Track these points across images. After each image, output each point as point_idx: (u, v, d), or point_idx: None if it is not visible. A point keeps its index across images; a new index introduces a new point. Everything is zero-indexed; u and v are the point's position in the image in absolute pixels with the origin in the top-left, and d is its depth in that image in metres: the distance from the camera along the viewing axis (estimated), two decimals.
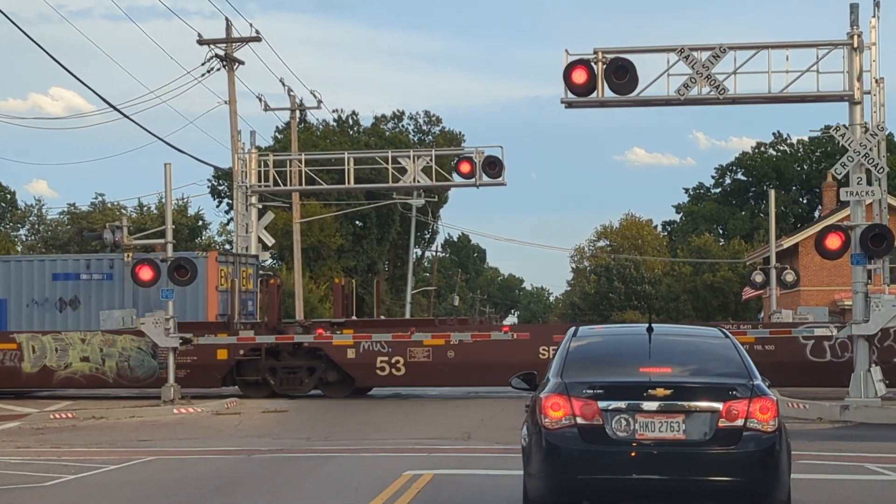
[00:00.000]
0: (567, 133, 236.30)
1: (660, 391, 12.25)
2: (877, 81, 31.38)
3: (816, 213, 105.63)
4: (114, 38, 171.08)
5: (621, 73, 31.54)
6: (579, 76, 31.65)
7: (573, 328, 14.23)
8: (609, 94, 32.00)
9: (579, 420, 12.29)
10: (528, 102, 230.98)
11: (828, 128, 30.68)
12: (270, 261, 60.05)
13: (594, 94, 32.07)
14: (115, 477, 19.49)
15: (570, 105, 32.56)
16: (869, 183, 31.19)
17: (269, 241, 45.66)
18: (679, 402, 12.24)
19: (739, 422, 12.18)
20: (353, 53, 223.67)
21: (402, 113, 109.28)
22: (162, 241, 36.40)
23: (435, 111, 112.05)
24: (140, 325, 35.13)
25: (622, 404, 12.28)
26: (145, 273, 34.78)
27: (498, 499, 16.13)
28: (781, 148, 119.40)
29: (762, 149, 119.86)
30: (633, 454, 12.16)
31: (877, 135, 31.04)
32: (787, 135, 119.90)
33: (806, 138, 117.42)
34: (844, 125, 31.72)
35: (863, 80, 31.44)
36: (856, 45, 31.26)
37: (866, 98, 31.53)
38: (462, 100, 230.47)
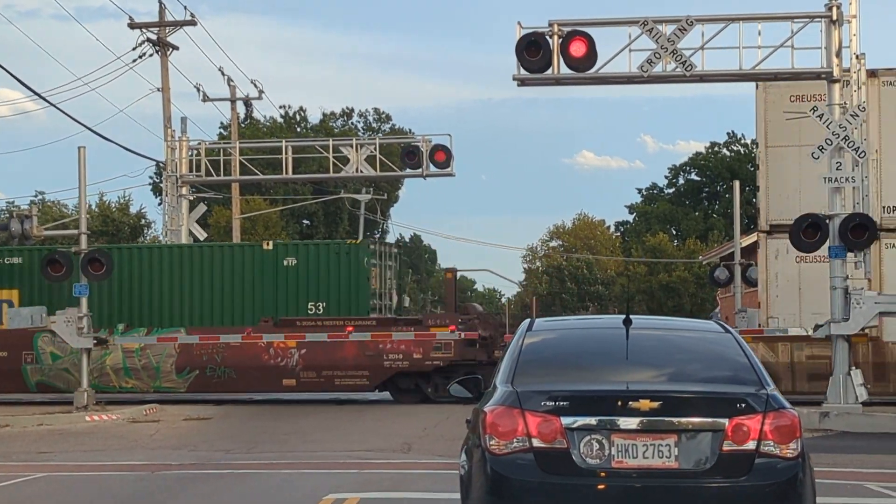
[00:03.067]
0: (517, 136, 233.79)
1: (643, 403, 9.02)
2: (857, 58, 28.41)
3: None
4: (61, 38, 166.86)
5: (578, 48, 28.48)
6: (533, 51, 28.59)
7: (527, 321, 10.93)
8: (566, 70, 28.96)
9: (536, 442, 9.05)
10: (479, 105, 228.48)
11: (813, 109, 27.46)
12: None
13: (549, 71, 29.02)
14: None
15: (522, 83, 29.48)
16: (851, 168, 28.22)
17: (201, 234, 42.36)
18: (670, 419, 9.01)
19: (751, 444, 9.00)
20: (302, 55, 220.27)
21: (352, 110, 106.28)
22: (75, 231, 33.00)
23: (385, 111, 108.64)
24: (51, 324, 31.84)
25: (593, 421, 9.04)
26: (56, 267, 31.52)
27: None
28: (735, 148, 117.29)
29: (716, 149, 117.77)
30: (607, 488, 8.95)
31: (857, 115, 28.02)
32: (742, 134, 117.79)
33: None
34: (822, 105, 28.65)
35: (842, 56, 28.48)
36: (835, 18, 28.29)
37: (846, 76, 28.57)
38: (413, 101, 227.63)
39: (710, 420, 9.01)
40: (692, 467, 8.96)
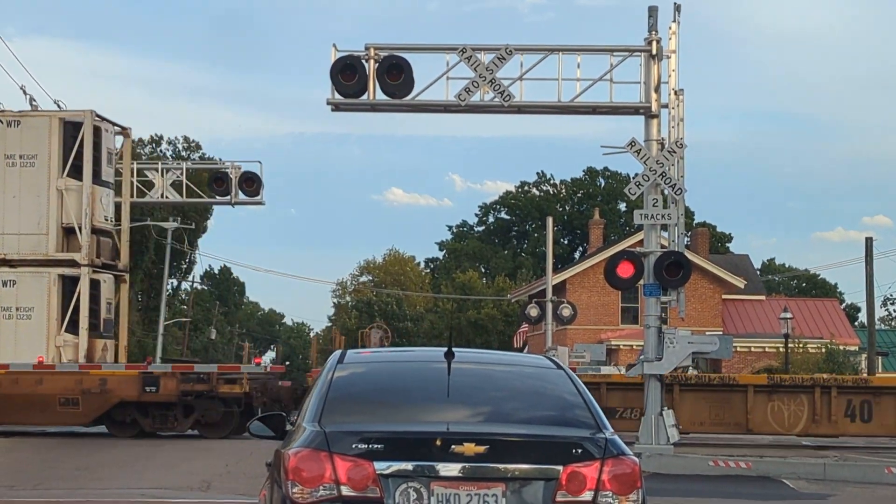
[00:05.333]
0: (327, 171, 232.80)
1: (467, 447, 7.91)
2: (676, 93, 28.01)
3: (577, 255, 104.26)
4: None
5: (395, 74, 27.64)
6: (348, 76, 27.57)
7: (338, 352, 9.74)
8: (381, 96, 28.01)
9: (345, 490, 7.87)
10: (291, 138, 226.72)
11: (630, 144, 26.92)
12: None
13: (365, 97, 28.06)
14: None
15: (336, 108, 28.50)
16: (665, 206, 27.76)
17: None
18: (497, 465, 7.92)
19: (587, 495, 7.97)
20: (110, 81, 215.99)
21: (161, 137, 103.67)
22: None
23: (195, 140, 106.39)
24: None
25: (409, 466, 7.91)
26: None
27: None
28: (545, 188, 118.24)
29: (525, 188, 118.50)
30: None
31: (675, 152, 27.59)
32: (551, 175, 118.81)
33: (569, 179, 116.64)
34: (639, 141, 28.13)
35: (661, 91, 28.09)
36: (654, 52, 27.93)
37: (664, 111, 28.15)
38: (225, 132, 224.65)
39: (542, 467, 7.97)
40: None
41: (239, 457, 27.31)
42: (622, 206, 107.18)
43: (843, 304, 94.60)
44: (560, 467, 7.95)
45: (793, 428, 33.35)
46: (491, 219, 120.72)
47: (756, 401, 32.95)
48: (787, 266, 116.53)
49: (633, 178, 28.21)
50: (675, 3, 28.15)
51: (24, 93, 54.46)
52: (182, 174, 39.29)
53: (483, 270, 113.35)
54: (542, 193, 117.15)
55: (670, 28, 28.15)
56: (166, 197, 39.51)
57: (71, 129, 34.62)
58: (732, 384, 33.81)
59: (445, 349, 9.08)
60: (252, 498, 17.75)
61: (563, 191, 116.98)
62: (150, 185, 39.55)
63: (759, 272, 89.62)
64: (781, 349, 61.40)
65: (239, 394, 34.05)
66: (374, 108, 28.76)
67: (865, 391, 33.69)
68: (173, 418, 34.27)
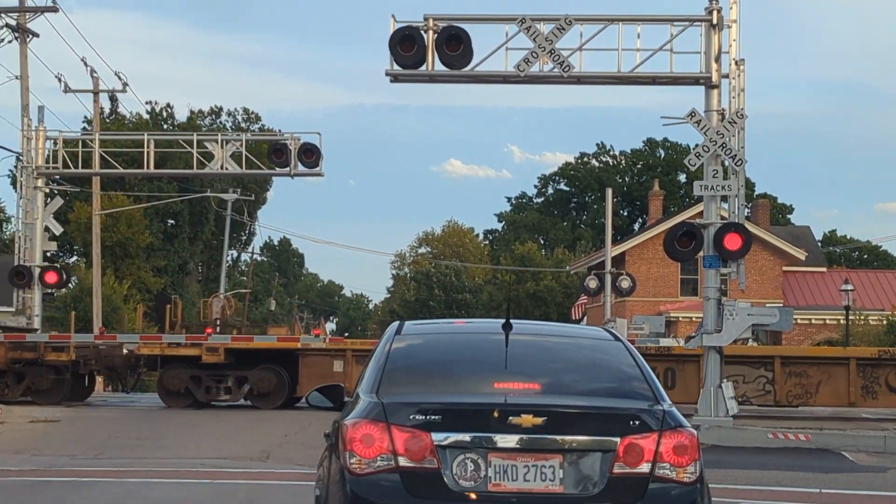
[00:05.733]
0: (386, 142, 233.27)
1: (525, 419, 7.89)
2: (736, 63, 27.75)
3: (636, 226, 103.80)
4: None
5: (454, 45, 27.57)
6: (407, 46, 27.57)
7: (396, 323, 9.74)
8: (440, 67, 27.96)
9: (403, 461, 7.86)
10: (350, 109, 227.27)
11: (690, 115, 26.70)
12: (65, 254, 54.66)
13: (423, 67, 28.02)
14: None
15: (395, 79, 28.49)
16: (725, 177, 27.56)
17: (57, 229, 40.40)
18: (554, 437, 7.89)
19: (644, 467, 7.92)
20: (170, 53, 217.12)
21: (220, 109, 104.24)
22: None
23: (255, 111, 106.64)
24: None
25: (467, 438, 7.88)
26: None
27: None
28: (604, 159, 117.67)
29: (585, 159, 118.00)
30: None
31: (735, 122, 27.37)
32: (611, 146, 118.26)
33: (629, 150, 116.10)
34: (699, 111, 27.90)
35: (721, 61, 27.85)
36: (714, 22, 27.69)
37: (724, 82, 27.92)
38: (284, 104, 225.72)
39: (600, 439, 7.93)
40: (578, 492, 7.87)
41: (298, 427, 27.47)
42: (682, 178, 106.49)
43: None
44: (617, 439, 7.91)
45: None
46: (550, 190, 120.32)
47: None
48: (848, 238, 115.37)
49: (693, 148, 28.05)
50: None
51: (86, 65, 55.06)
52: (242, 146, 39.31)
53: (542, 242, 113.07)
54: (601, 164, 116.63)
55: None
56: (226, 168, 39.53)
57: None
58: None
59: (503, 321, 9.08)
60: (310, 468, 17.84)
61: (623, 162, 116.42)
62: (209, 156, 39.64)
63: (820, 244, 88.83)
64: (842, 321, 60.90)
65: (66, 361, 35.03)
66: (433, 79, 28.71)
67: None
68: (4, 385, 35.24)
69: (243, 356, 34.79)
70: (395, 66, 28.05)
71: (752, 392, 33.19)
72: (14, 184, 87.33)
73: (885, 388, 33.03)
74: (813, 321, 65.11)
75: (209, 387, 34.63)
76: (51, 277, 38.94)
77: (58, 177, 44.10)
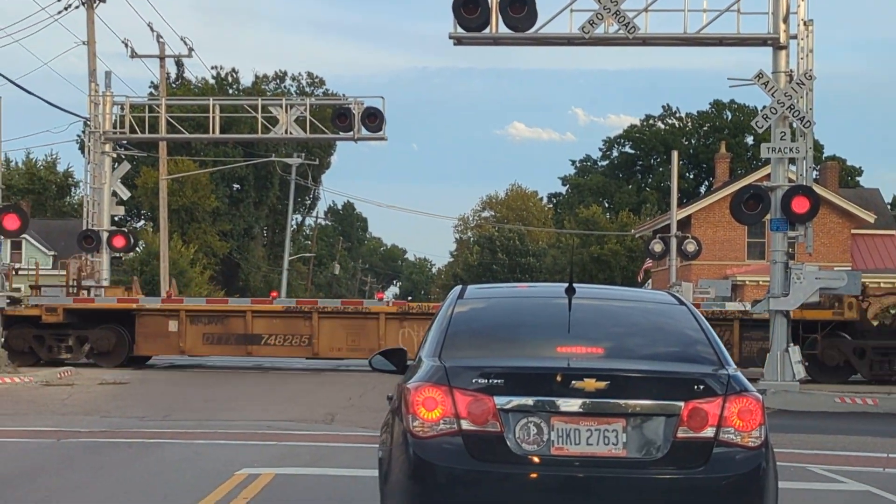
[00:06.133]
0: (449, 106, 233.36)
1: (588, 383, 7.86)
2: (805, 24, 27.46)
3: (702, 189, 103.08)
4: None
5: (518, 6, 27.48)
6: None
7: (459, 287, 9.72)
8: (504, 30, 27.84)
9: (465, 424, 7.86)
10: (413, 73, 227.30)
11: (758, 76, 26.44)
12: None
13: (487, 30, 27.92)
14: None
15: (459, 42, 28.41)
16: (793, 139, 27.29)
17: (125, 193, 40.69)
18: (617, 401, 7.85)
19: (709, 431, 7.87)
20: (235, 18, 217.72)
21: (285, 73, 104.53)
22: None
23: (319, 76, 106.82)
24: None
25: (530, 402, 7.86)
26: (10, 222, 30.00)
27: None
28: (670, 121, 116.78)
29: (650, 121, 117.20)
30: (545, 478, 7.79)
31: (804, 84, 27.08)
32: (677, 108, 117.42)
33: (695, 112, 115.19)
34: (766, 73, 27.63)
35: (789, 21, 27.55)
36: None
37: (792, 43, 27.61)
38: (348, 68, 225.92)
39: (663, 403, 7.88)
40: (642, 456, 7.84)
41: (362, 390, 27.61)
42: (749, 140, 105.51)
43: None
44: (681, 403, 7.86)
45: None
46: (615, 153, 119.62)
47: None
48: None
49: (761, 110, 27.78)
50: None
51: (152, 30, 55.38)
52: (306, 110, 39.41)
53: (606, 205, 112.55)
54: (667, 127, 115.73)
55: None
56: (290, 133, 39.64)
57: None
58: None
59: (567, 285, 9.05)
60: (374, 431, 17.88)
61: (689, 124, 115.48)
62: (274, 121, 39.79)
63: (889, 206, 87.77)
64: None
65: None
66: (497, 41, 28.59)
67: None
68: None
69: (85, 316, 35.56)
70: (459, 29, 27.97)
71: None
72: (82, 149, 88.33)
73: None
74: (882, 284, 64.41)
75: (51, 346, 35.50)
76: (118, 241, 39.30)
77: (125, 142, 44.42)
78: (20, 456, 16.24)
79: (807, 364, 29.05)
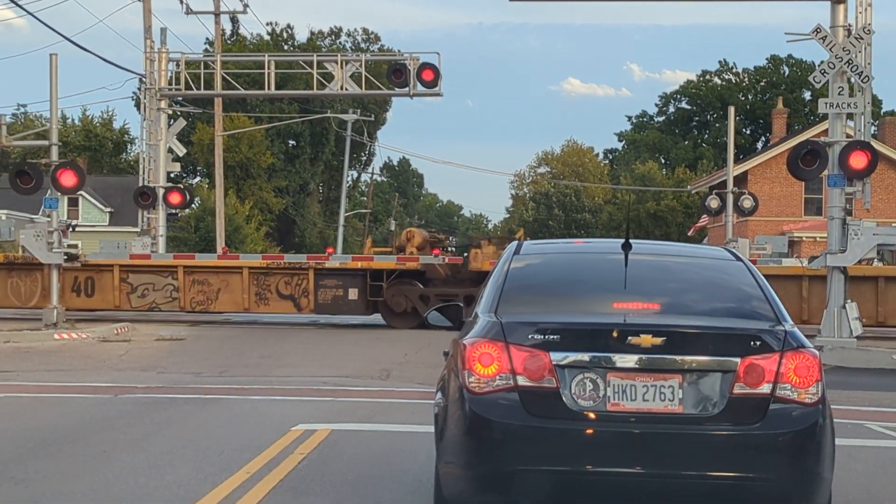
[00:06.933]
0: (504, 62, 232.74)
1: (644, 339, 7.85)
2: None
3: (759, 145, 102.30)
4: None
5: None
6: None
7: (515, 243, 9.70)
8: None
9: (521, 380, 7.87)
10: (469, 29, 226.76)
11: (816, 31, 26.16)
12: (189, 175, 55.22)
13: None
14: None
15: None
16: (851, 94, 27.01)
17: (181, 150, 40.88)
18: (674, 357, 7.84)
19: (765, 387, 7.84)
20: None
21: (340, 30, 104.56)
22: (45, 142, 31.61)
23: (374, 32, 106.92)
24: (19, 237, 30.54)
25: (586, 357, 7.85)
26: (68, 179, 30.22)
27: (404, 475, 11.69)
28: (727, 77, 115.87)
29: (707, 77, 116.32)
30: (602, 434, 7.79)
31: (862, 38, 26.78)
32: (733, 63, 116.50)
33: (752, 68, 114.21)
34: (824, 27, 27.32)
35: None
36: None
37: None
38: (403, 23, 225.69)
39: (720, 359, 7.86)
40: (698, 412, 7.83)
41: (417, 346, 27.67)
42: (807, 95, 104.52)
43: None
44: (738, 359, 7.83)
45: None
46: (671, 109, 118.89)
47: None
48: None
49: (819, 65, 27.49)
50: None
51: None
52: (361, 66, 39.36)
53: (663, 161, 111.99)
54: (723, 82, 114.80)
55: None
56: (346, 89, 39.60)
57: None
58: None
59: (623, 241, 9.04)
60: (430, 387, 17.93)
61: (746, 79, 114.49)
62: (329, 77, 39.79)
63: None
64: None
65: None
66: None
67: None
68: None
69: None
70: None
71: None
72: (138, 106, 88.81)
73: None
74: None
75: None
76: (174, 198, 39.51)
77: (180, 98, 44.56)
78: (79, 411, 16.39)
79: (863, 321, 28.82)
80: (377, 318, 35.21)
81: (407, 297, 34.69)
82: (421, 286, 34.80)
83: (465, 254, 35.72)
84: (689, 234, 65.26)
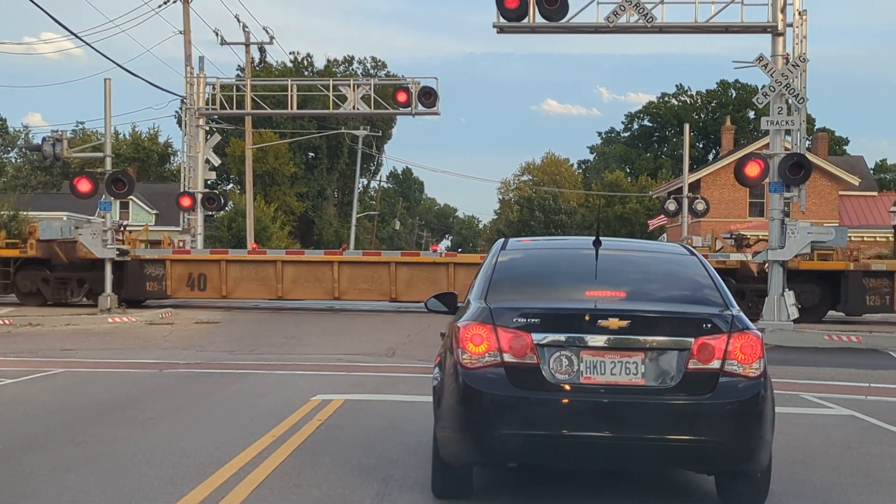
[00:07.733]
0: (492, 85, 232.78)
1: (612, 322, 7.88)
2: (800, 14, 27.14)
3: (710, 157, 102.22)
4: None
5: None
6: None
7: (502, 240, 9.74)
8: (540, 20, 27.65)
9: (507, 357, 7.91)
10: (462, 57, 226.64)
11: (759, 59, 26.15)
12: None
13: (526, 20, 27.74)
14: (5, 393, 15.01)
15: (501, 30, 28.18)
16: (789, 113, 27.00)
17: (216, 161, 40.78)
18: (637, 337, 7.87)
19: (715, 363, 7.87)
20: (311, 10, 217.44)
21: (352, 58, 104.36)
22: (101, 154, 31.53)
23: (381, 59, 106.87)
24: (78, 235, 30.47)
25: (562, 338, 7.89)
26: (83, 185, 30.07)
27: (407, 437, 11.70)
28: (682, 98, 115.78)
29: (665, 98, 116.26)
30: (575, 403, 7.81)
31: (798, 66, 26.77)
32: (688, 86, 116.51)
33: (704, 90, 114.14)
34: (766, 56, 27.30)
35: (786, 11, 27.21)
36: None
37: (789, 30, 27.30)
38: (406, 53, 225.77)
39: (676, 339, 7.89)
40: (658, 384, 7.85)
41: (419, 328, 27.63)
42: (751, 114, 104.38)
43: None
44: (692, 339, 7.87)
45: None
46: (635, 125, 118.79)
47: None
48: None
49: (761, 89, 27.48)
50: None
51: (238, 21, 55.26)
52: (370, 89, 39.31)
53: (628, 170, 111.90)
54: (680, 103, 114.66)
55: None
56: (357, 109, 39.56)
57: None
58: None
59: (594, 238, 9.05)
60: (429, 363, 17.92)
61: (699, 101, 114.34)
62: (343, 98, 39.74)
63: (872, 171, 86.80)
64: (891, 238, 59.56)
65: None
66: (534, 30, 28.38)
67: None
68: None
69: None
70: (501, 19, 27.79)
71: None
72: (179, 123, 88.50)
73: None
74: (865, 238, 63.80)
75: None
76: (211, 202, 39.45)
77: (216, 117, 44.54)
78: (129, 384, 16.41)
79: (799, 306, 28.77)
80: (384, 303, 34.98)
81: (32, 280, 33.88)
82: (48, 271, 33.87)
83: (459, 249, 35.49)
84: (649, 230, 65.28)
